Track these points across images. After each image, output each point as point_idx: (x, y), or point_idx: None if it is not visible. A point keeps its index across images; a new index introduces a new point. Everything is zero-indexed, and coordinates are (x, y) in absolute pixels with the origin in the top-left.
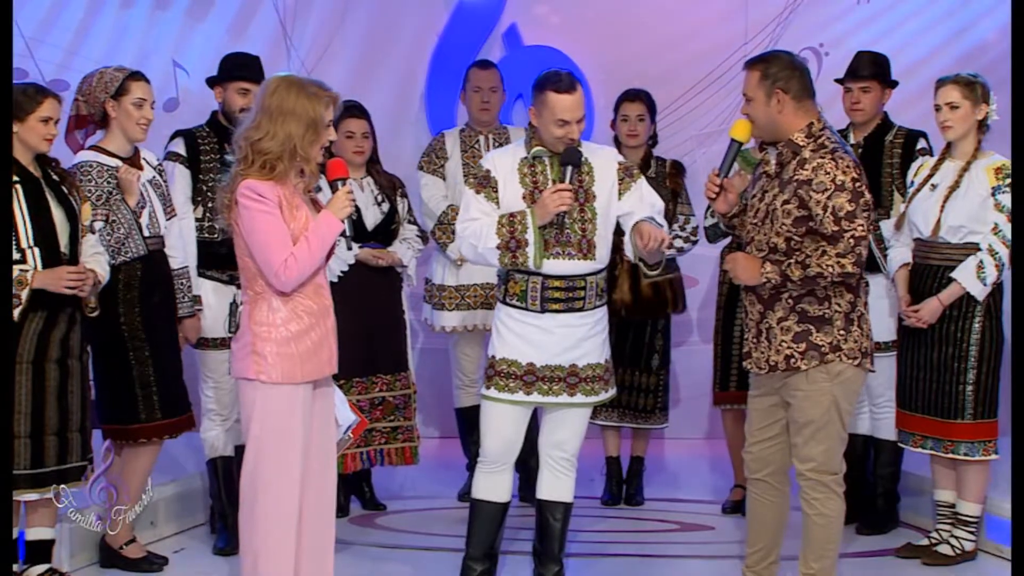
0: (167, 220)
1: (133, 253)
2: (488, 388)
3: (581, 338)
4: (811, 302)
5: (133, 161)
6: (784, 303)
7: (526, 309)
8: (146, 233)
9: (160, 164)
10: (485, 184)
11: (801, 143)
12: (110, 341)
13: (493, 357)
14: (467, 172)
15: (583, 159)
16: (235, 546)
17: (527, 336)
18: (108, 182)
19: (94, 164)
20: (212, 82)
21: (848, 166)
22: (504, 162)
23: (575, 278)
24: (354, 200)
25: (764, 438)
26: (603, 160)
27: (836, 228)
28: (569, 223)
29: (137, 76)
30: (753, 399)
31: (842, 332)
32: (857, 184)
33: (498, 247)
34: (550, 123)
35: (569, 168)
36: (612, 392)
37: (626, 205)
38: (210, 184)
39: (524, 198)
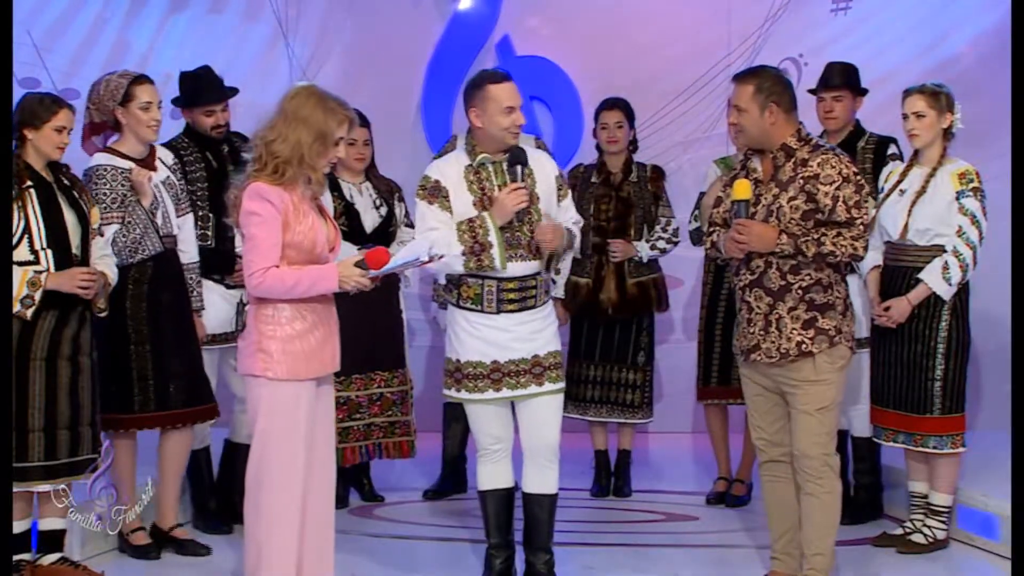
0: (179, 217)
1: (150, 251)
2: (459, 391)
3: (536, 330)
4: (818, 291)
5: (147, 162)
6: (794, 294)
7: (481, 311)
8: (160, 233)
9: (175, 163)
10: (436, 194)
11: (795, 146)
12: (114, 335)
13: (457, 360)
14: None
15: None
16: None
17: (486, 337)
18: (122, 185)
19: (108, 168)
20: (177, 103)
21: (849, 162)
22: (450, 171)
23: (527, 278)
24: (369, 284)
25: (772, 420)
26: (541, 165)
27: (848, 216)
28: (518, 225)
29: (141, 80)
30: (752, 392)
31: (842, 316)
32: (858, 177)
33: (463, 253)
34: (497, 115)
35: (518, 167)
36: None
37: (557, 212)
38: (199, 193)
39: (475, 205)
